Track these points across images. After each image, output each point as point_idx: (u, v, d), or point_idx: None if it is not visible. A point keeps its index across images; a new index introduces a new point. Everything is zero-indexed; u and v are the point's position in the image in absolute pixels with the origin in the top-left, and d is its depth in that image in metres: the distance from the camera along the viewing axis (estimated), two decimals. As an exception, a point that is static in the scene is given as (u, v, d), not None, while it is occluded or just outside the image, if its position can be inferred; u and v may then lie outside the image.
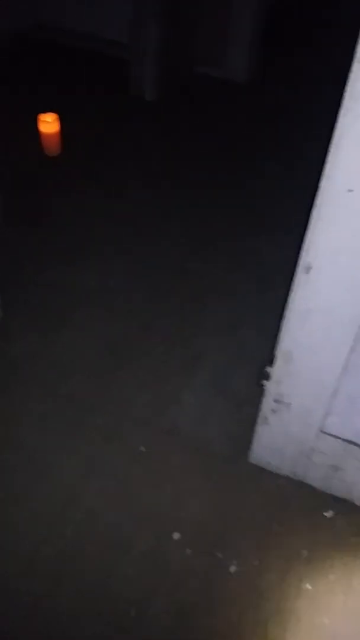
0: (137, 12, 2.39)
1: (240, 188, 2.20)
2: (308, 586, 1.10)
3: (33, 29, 3.01)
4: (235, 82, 2.86)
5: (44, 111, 2.17)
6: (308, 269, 0.88)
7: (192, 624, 1.03)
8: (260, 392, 1.16)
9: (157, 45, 2.47)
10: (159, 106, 2.66)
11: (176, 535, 1.15)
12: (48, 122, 2.15)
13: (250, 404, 1.31)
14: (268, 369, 1.08)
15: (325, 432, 1.13)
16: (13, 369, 1.44)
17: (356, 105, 0.71)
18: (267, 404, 1.14)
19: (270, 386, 1.10)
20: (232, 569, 1.11)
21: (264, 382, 1.10)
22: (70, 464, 1.25)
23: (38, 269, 1.74)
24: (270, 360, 1.07)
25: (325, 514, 1.21)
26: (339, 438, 1.12)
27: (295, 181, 2.20)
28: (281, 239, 1.90)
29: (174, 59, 2.63)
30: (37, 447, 1.28)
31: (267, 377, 1.09)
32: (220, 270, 1.82)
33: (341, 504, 1.23)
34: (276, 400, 1.12)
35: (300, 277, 0.90)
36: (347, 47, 0.86)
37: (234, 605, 1.06)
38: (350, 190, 0.78)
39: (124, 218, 1.99)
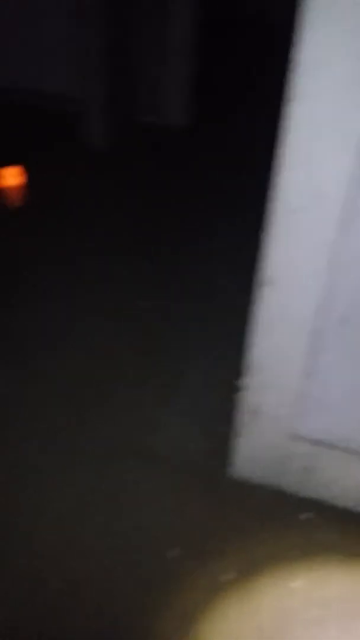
0: (80, 67, 2.53)
1: (193, 224, 2.33)
2: (297, 584, 1.16)
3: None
4: (175, 127, 3.05)
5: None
6: (267, 283, 0.98)
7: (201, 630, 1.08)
8: (234, 406, 1.25)
9: (104, 97, 2.61)
10: (109, 156, 2.79)
11: (172, 553, 1.20)
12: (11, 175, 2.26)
13: (227, 421, 1.39)
14: (239, 382, 1.17)
15: (296, 436, 1.21)
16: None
17: (293, 136, 0.83)
18: (241, 416, 1.22)
19: (242, 398, 1.18)
20: (228, 577, 1.17)
21: (237, 395, 1.19)
22: (64, 500, 1.29)
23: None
24: (241, 374, 1.16)
25: (302, 516, 1.29)
26: (309, 439, 1.21)
27: (242, 203, 2.34)
28: (238, 266, 2.02)
29: (119, 110, 2.78)
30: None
31: (239, 390, 1.18)
32: (182, 303, 1.91)
33: (317, 504, 1.31)
34: (249, 412, 1.20)
35: (261, 291, 1.00)
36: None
37: (235, 610, 1.12)
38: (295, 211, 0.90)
39: (87, 265, 2.06)
